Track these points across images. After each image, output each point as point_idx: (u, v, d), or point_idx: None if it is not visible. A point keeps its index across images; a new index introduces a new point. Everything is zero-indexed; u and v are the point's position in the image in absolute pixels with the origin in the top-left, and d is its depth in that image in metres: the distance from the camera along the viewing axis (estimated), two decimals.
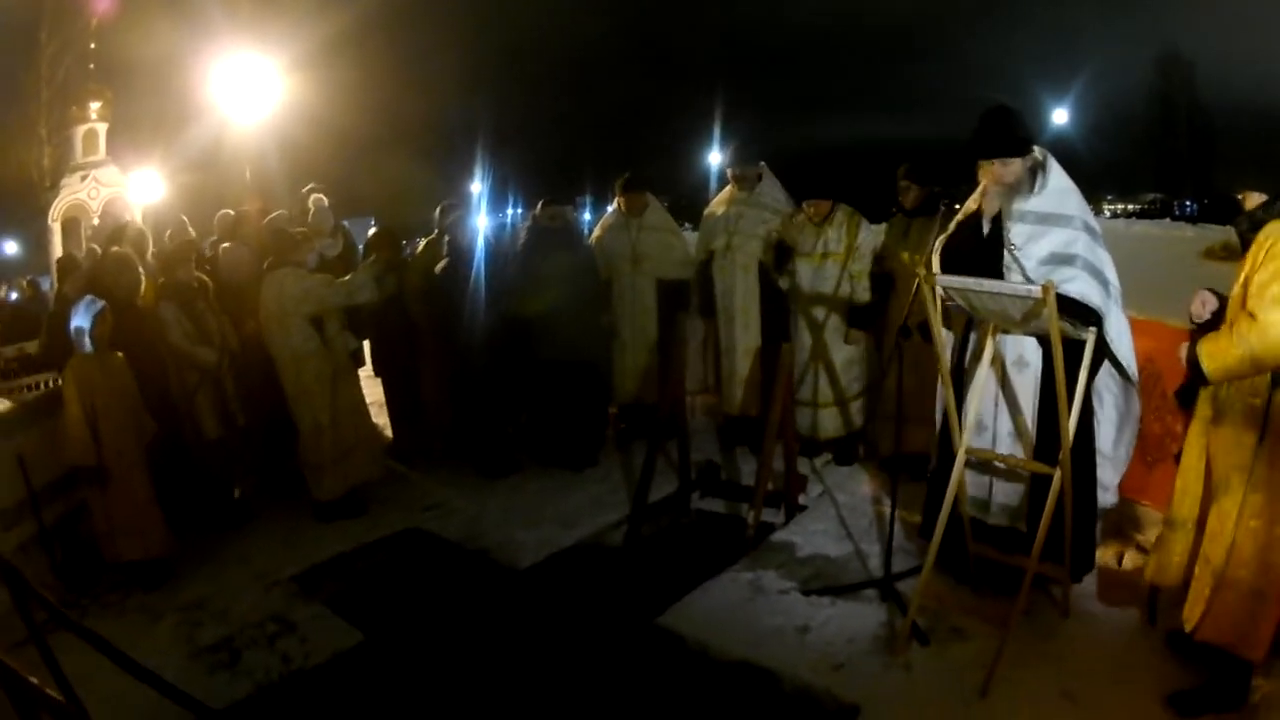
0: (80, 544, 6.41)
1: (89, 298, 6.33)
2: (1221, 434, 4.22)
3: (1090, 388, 4.91)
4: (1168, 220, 48.99)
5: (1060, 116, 52.27)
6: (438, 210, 8.69)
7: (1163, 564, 4.56)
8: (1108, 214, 62.61)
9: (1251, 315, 3.91)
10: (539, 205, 8.49)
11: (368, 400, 9.33)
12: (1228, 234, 4.42)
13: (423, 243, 9.04)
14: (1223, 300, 4.28)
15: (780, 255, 7.66)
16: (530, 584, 6.23)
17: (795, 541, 6.38)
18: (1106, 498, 5.24)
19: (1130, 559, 5.63)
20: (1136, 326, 5.52)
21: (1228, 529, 4.13)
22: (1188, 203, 61.93)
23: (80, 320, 6.13)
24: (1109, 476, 5.19)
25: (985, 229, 5.04)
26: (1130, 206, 68.85)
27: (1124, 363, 4.93)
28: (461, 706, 4.88)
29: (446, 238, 8.32)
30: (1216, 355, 4.02)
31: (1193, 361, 4.12)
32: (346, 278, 7.52)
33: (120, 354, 6.41)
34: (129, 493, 6.22)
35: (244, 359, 7.58)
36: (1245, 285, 4.04)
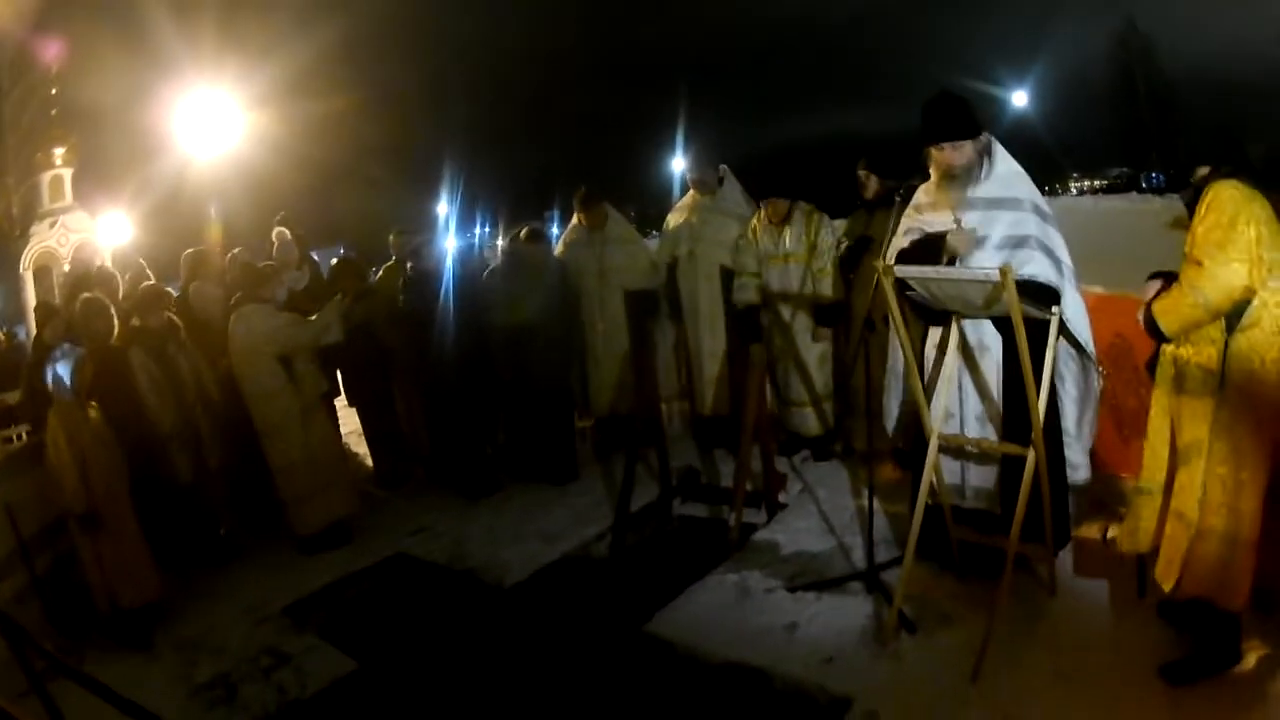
0: (72, 591, 6.36)
1: (67, 345, 6.32)
2: (1184, 392, 4.27)
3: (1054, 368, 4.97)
4: (1135, 194, 49.12)
5: (1020, 99, 52.37)
6: (391, 235, 8.72)
7: (1132, 530, 4.59)
8: (1074, 192, 62.81)
9: (1198, 263, 4.02)
10: (522, 231, 8.46)
11: (346, 429, 9.37)
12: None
13: (382, 270, 9.08)
14: (1169, 277, 4.36)
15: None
16: (518, 600, 6.25)
17: (778, 540, 6.41)
18: (1077, 475, 5.26)
19: (1115, 533, 5.65)
20: (1106, 302, 5.62)
21: (1196, 481, 4.19)
22: (1154, 175, 62.06)
23: (61, 367, 6.12)
24: (1076, 455, 5.22)
25: (940, 219, 5.08)
26: (1098, 183, 68.89)
27: (1081, 341, 4.98)
28: None
29: (408, 264, 8.37)
30: (1170, 310, 4.13)
31: (1149, 321, 4.21)
32: (314, 317, 7.55)
33: (94, 402, 6.40)
34: (120, 537, 6.20)
35: (221, 396, 7.59)
36: (1189, 243, 4.15)
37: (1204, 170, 4.38)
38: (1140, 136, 67.55)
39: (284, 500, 7.43)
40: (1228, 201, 4.04)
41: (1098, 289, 5.96)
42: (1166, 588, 4.36)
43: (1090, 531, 5.69)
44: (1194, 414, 4.22)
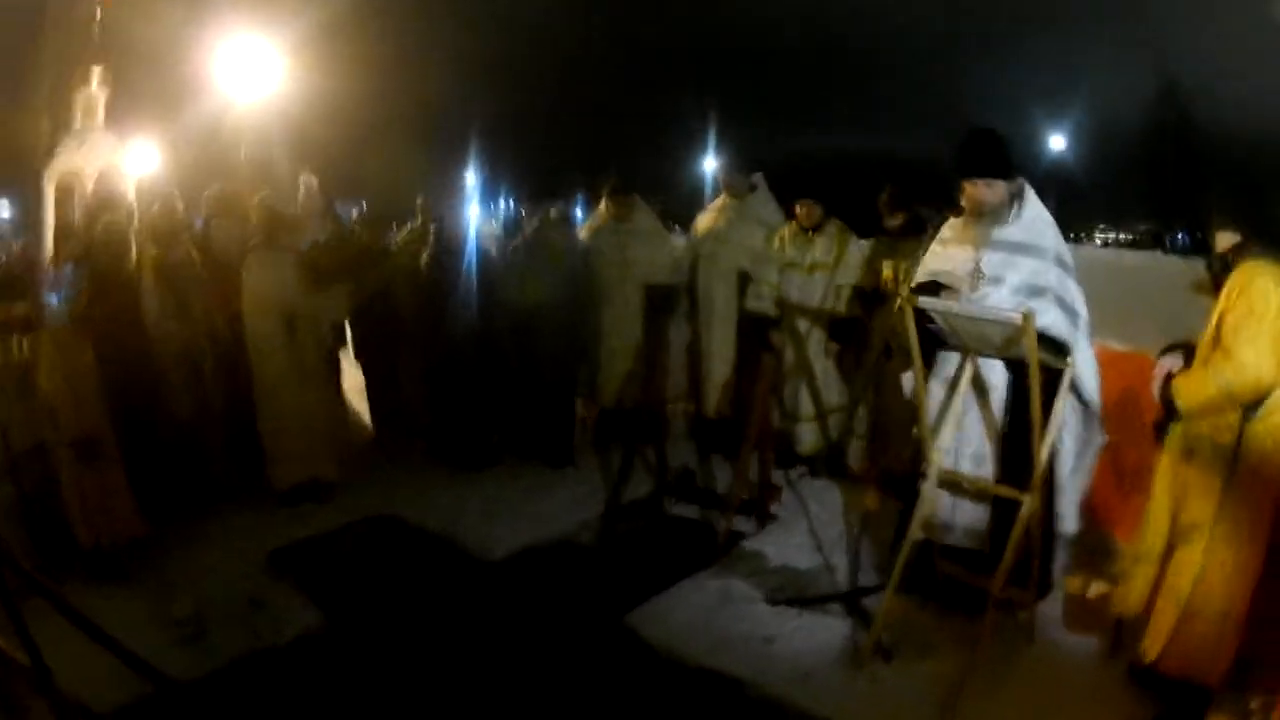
0: (56, 518, 6.27)
1: (70, 267, 6.30)
2: (1192, 467, 4.28)
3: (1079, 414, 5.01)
4: (1159, 252, 49.06)
5: (1058, 143, 52.34)
6: (420, 199, 8.72)
7: (1124, 594, 4.63)
8: (1099, 242, 62.74)
9: (1226, 352, 4.03)
10: (550, 212, 8.47)
11: (349, 386, 9.36)
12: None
13: (405, 230, 9.06)
14: (1187, 350, 4.38)
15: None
16: (502, 576, 6.26)
17: (765, 551, 6.42)
18: (1065, 526, 5.28)
19: (1097, 588, 5.66)
20: (1119, 358, 5.64)
21: (1194, 560, 4.21)
22: (1180, 234, 61.99)
23: (61, 291, 6.11)
24: (1066, 505, 5.22)
25: (962, 255, 5.09)
26: (1123, 236, 68.92)
27: (1087, 395, 4.99)
28: (426, 692, 4.90)
29: (433, 228, 8.37)
30: (1192, 392, 4.16)
31: (1166, 398, 4.24)
32: (324, 294, 7.61)
33: (89, 331, 6.36)
34: (103, 473, 6.19)
35: (229, 337, 7.57)
36: (1219, 325, 4.14)
37: (1229, 237, 4.36)
38: (1170, 195, 67.46)
39: (266, 453, 7.46)
40: (1261, 293, 4.04)
41: (1112, 344, 5.96)
42: (1149, 659, 4.40)
43: (1073, 583, 5.63)
44: (1201, 492, 4.24)
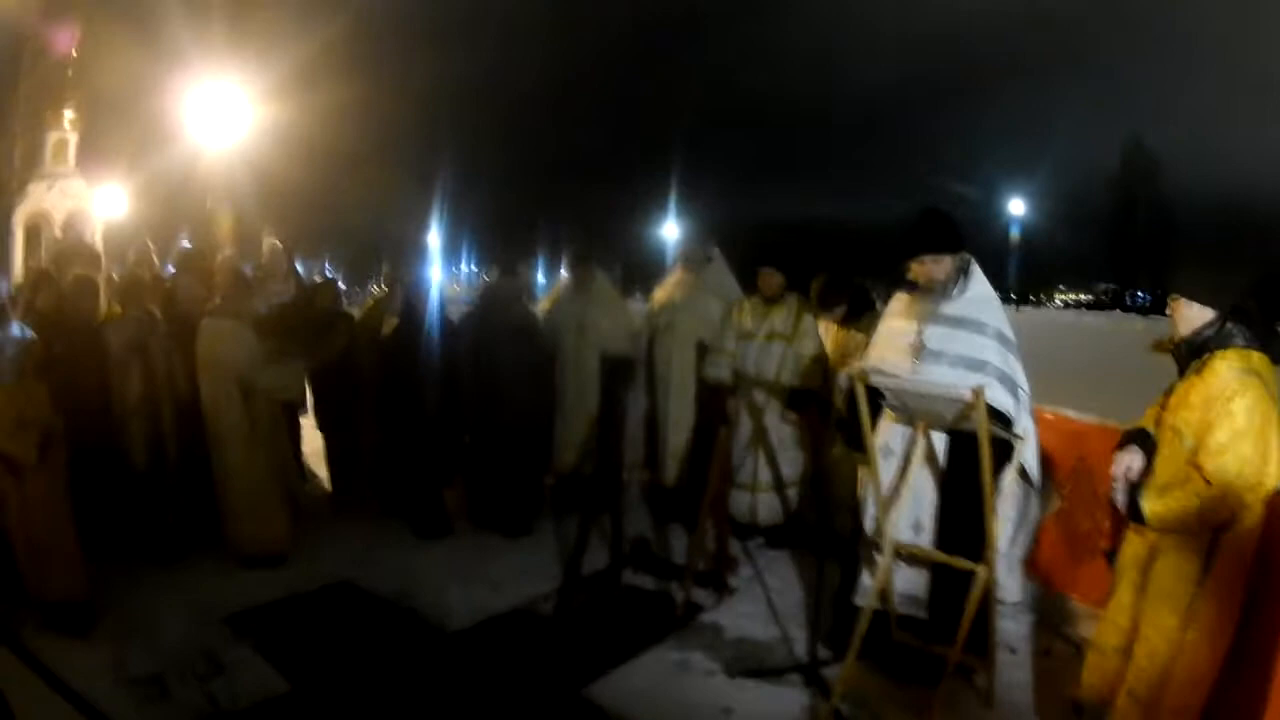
0: (11, 569, 6.24)
1: (15, 326, 6.25)
2: (1159, 571, 4.27)
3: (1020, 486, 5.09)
4: (1119, 311, 49.68)
5: (1017, 207, 53.03)
6: (384, 265, 8.81)
7: (1090, 684, 4.65)
8: (1060, 304, 63.40)
9: (1207, 480, 4.02)
10: (495, 272, 8.57)
11: (308, 449, 9.34)
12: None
13: (371, 299, 9.10)
14: (1145, 441, 4.40)
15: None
16: (459, 646, 6.23)
17: (723, 623, 6.42)
18: (1006, 595, 5.36)
19: (1057, 651, 5.75)
20: (1077, 430, 5.70)
21: (1157, 664, 4.22)
22: (1140, 294, 62.67)
23: (7, 348, 6.06)
24: (1003, 574, 5.28)
25: (905, 328, 5.25)
26: (1083, 297, 69.76)
27: (1029, 467, 5.11)
28: None
29: (398, 294, 8.40)
30: (1166, 514, 4.14)
31: (1133, 509, 4.24)
32: (279, 370, 7.56)
33: (42, 386, 6.29)
34: (52, 527, 6.15)
35: (188, 393, 7.55)
36: (1184, 419, 4.15)
37: (1198, 313, 4.30)
38: (1131, 254, 68.21)
39: (222, 511, 7.44)
40: (1246, 409, 4.01)
41: (1068, 413, 6.06)
42: None
43: (1033, 647, 5.82)
44: (1167, 597, 4.23)
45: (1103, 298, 65.81)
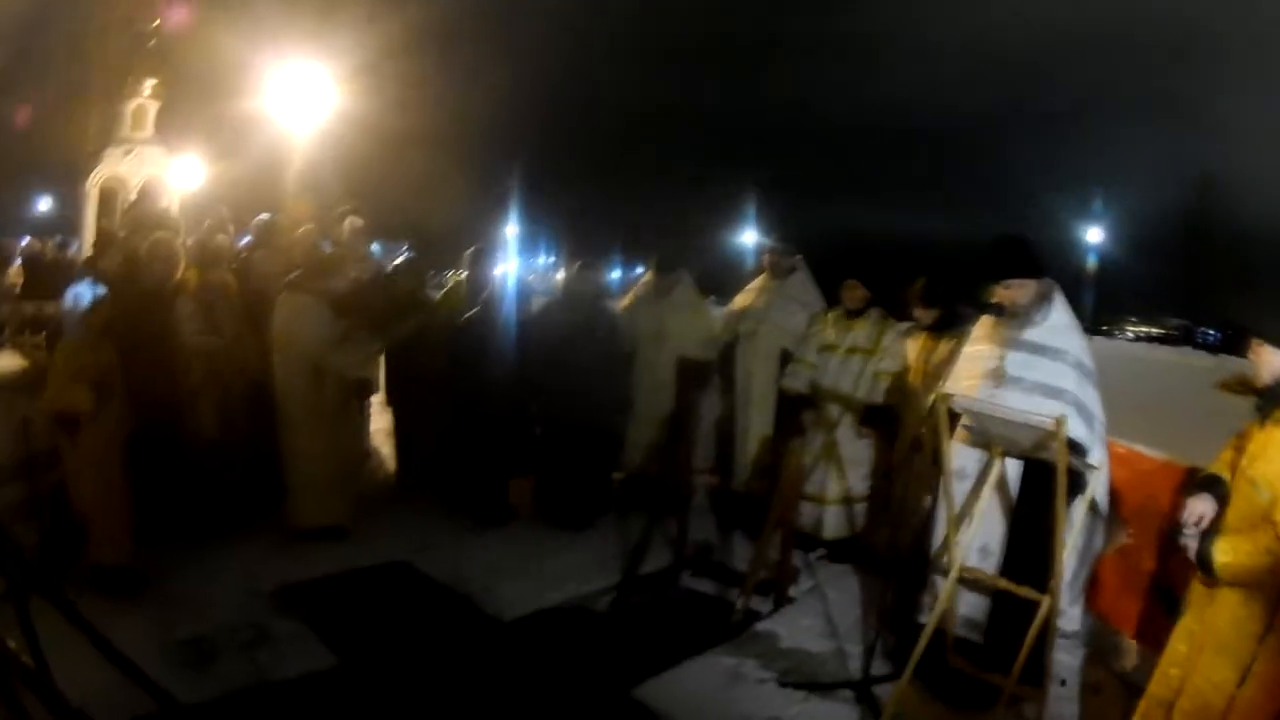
0: (65, 526, 6.34)
1: (89, 282, 6.29)
2: (1223, 620, 4.10)
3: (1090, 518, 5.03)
4: (1189, 348, 49.03)
5: (1095, 235, 52.50)
6: (469, 252, 8.77)
7: None
8: (1130, 335, 62.68)
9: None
10: (575, 267, 8.57)
11: (376, 429, 9.37)
12: (1245, 367, 4.43)
13: (451, 282, 9.10)
14: (1217, 489, 4.27)
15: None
16: (513, 637, 6.22)
17: (779, 632, 6.36)
18: (1066, 623, 5.31)
19: (1106, 688, 5.64)
20: (1149, 468, 5.61)
21: (1209, 718, 4.07)
22: (1209, 331, 61.85)
23: (76, 304, 6.12)
24: (1066, 603, 5.21)
25: (987, 353, 5.24)
26: (1153, 330, 68.97)
27: (1098, 500, 5.08)
28: None
29: (476, 285, 8.47)
30: (1233, 563, 3.97)
31: (1202, 558, 4.07)
32: (352, 350, 7.57)
33: (110, 346, 6.34)
34: (109, 492, 6.21)
35: (259, 365, 7.62)
36: (1262, 472, 4.01)
37: (1273, 355, 4.16)
38: (1203, 291, 67.31)
39: (286, 486, 7.48)
40: None
41: (1140, 449, 5.95)
42: None
43: (1086, 681, 5.70)
44: (1223, 651, 4.07)
45: (1172, 333, 65.06)
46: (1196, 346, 52.07)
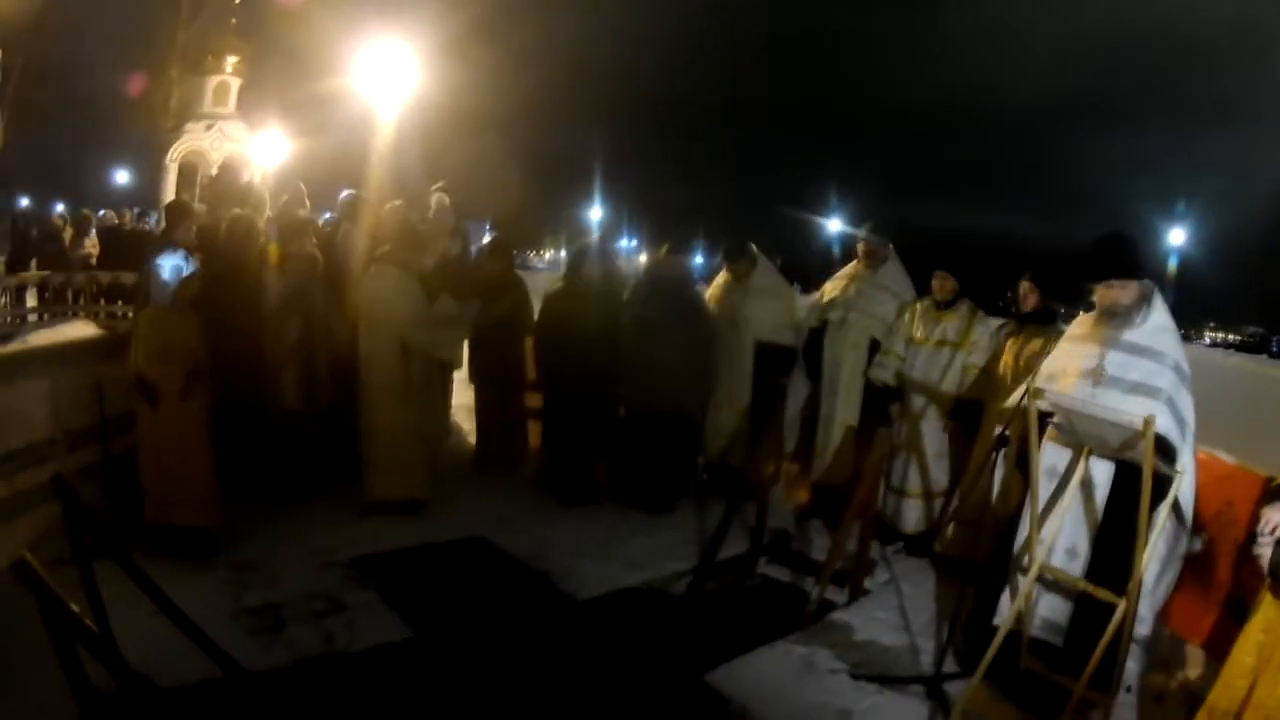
0: (135, 490, 6.38)
1: (183, 254, 6.35)
2: None
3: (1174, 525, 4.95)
4: (1266, 356, 48.41)
5: (1178, 237, 51.82)
6: (577, 248, 8.81)
7: None
8: (1207, 341, 61.90)
9: None
10: (662, 250, 8.57)
11: (458, 404, 9.42)
12: None
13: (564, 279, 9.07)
14: None
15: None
16: (587, 616, 6.24)
17: (853, 624, 6.36)
18: (1141, 628, 5.23)
19: (1170, 697, 5.59)
20: (1228, 473, 5.54)
21: None
22: None
23: (167, 272, 6.20)
24: (1145, 609, 5.17)
25: (1087, 352, 5.16)
26: (1231, 337, 68.14)
27: (1184, 504, 4.97)
28: None
29: (571, 270, 8.54)
30: None
31: (1277, 570, 4.08)
32: (440, 328, 7.59)
33: (195, 318, 6.40)
34: (189, 456, 6.26)
35: (344, 339, 7.66)
36: None
37: None
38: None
39: (363, 461, 7.50)
40: None
41: (1220, 454, 5.88)
42: None
43: (1149, 687, 5.65)
44: None
45: (1249, 340, 64.19)
46: (1273, 355, 51.41)
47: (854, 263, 8.48)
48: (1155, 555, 5.06)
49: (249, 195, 9.52)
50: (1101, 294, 5.15)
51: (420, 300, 7.46)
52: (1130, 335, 5.04)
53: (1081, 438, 4.98)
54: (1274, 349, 58.40)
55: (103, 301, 15.80)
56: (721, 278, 8.97)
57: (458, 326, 7.75)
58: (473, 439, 9.60)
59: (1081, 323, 5.39)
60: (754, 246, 8.96)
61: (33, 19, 25.14)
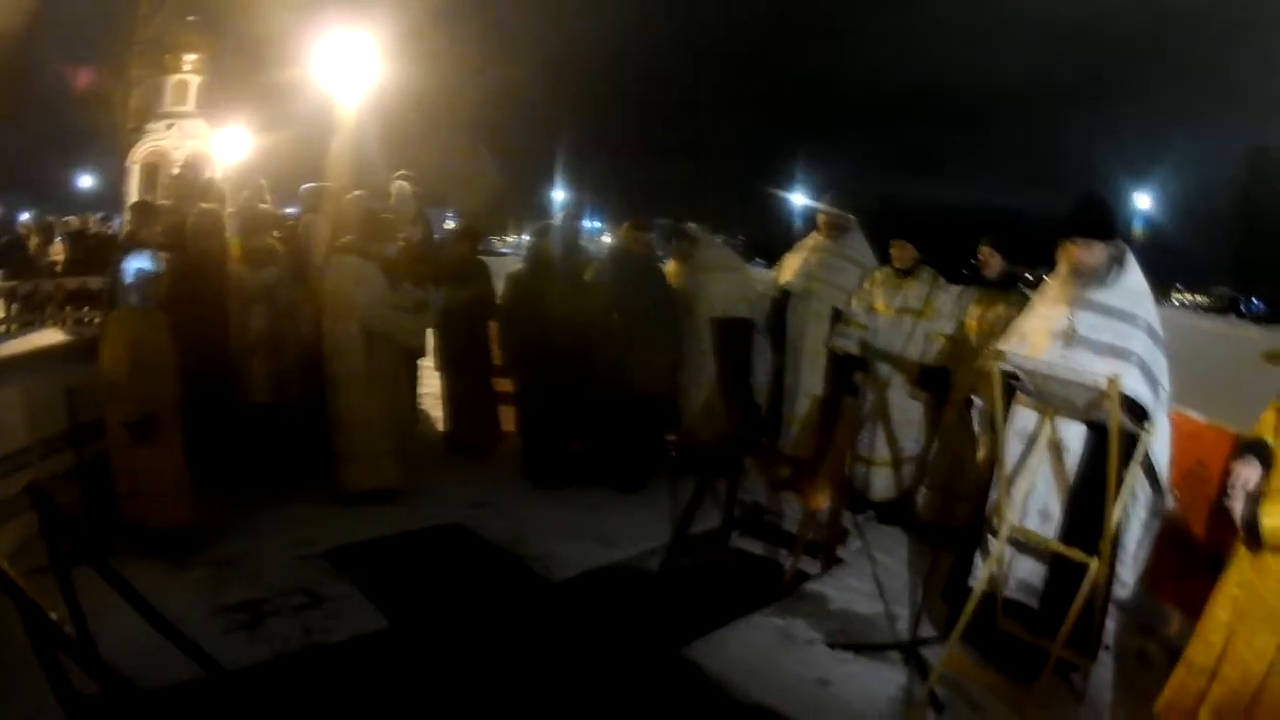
0: (110, 494, 6.35)
1: (149, 253, 6.34)
2: (1267, 587, 4.10)
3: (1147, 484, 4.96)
4: (1234, 317, 48.68)
5: (1144, 201, 52.03)
6: (539, 229, 8.81)
7: (1172, 703, 4.48)
8: (1175, 304, 62.18)
9: None
10: (624, 227, 8.56)
11: (425, 392, 9.42)
12: None
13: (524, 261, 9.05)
14: (1263, 453, 4.22)
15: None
16: (563, 597, 6.26)
17: (828, 593, 6.41)
18: (1124, 592, 5.28)
19: (1151, 656, 5.65)
20: (1198, 430, 5.56)
21: (1250, 687, 4.07)
22: (1255, 301, 61.36)
23: (134, 273, 6.16)
24: (1129, 573, 5.21)
25: (1056, 314, 5.13)
26: (1199, 299, 68.50)
27: (1158, 468, 4.95)
28: (475, 709, 4.89)
29: (533, 251, 8.53)
30: None
31: (1249, 524, 4.07)
32: (403, 314, 7.58)
33: (165, 314, 6.37)
34: (162, 457, 6.22)
35: (311, 330, 7.64)
36: None
37: None
38: (1250, 260, 66.73)
39: (335, 451, 7.50)
40: None
41: (1189, 412, 5.91)
42: None
43: (1129, 649, 5.72)
44: (1267, 620, 4.07)
45: (1218, 302, 64.50)
46: (1241, 316, 51.73)
47: (815, 234, 8.51)
48: (1135, 519, 5.12)
49: (210, 191, 9.51)
50: (1068, 251, 5.14)
51: (382, 287, 7.45)
52: (1102, 296, 5.02)
53: (1047, 399, 4.98)
54: (1241, 310, 58.80)
55: (70, 308, 15.77)
56: (672, 261, 9.00)
57: (420, 312, 7.73)
58: (442, 426, 9.63)
59: (1052, 284, 5.35)
60: (694, 225, 9.03)
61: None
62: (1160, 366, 4.92)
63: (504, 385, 9.12)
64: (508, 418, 9.25)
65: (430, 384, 9.96)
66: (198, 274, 7.18)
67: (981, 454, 5.74)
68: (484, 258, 9.61)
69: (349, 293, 7.30)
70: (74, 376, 6.54)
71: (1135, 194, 51.58)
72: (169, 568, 6.01)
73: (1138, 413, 4.74)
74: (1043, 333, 5.12)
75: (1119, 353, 4.84)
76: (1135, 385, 4.72)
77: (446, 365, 9.31)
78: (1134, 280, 5.07)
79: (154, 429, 6.10)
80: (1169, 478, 5.04)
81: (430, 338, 9.19)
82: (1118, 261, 5.07)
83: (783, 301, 8.35)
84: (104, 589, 3.88)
